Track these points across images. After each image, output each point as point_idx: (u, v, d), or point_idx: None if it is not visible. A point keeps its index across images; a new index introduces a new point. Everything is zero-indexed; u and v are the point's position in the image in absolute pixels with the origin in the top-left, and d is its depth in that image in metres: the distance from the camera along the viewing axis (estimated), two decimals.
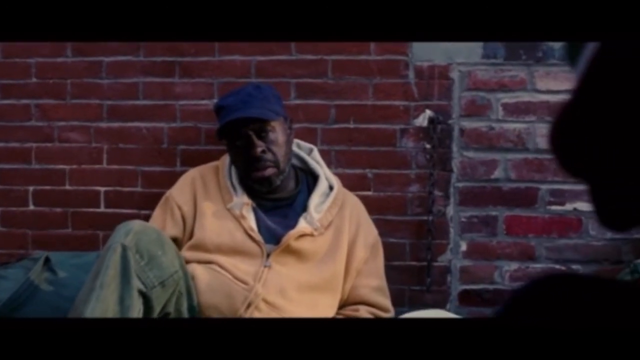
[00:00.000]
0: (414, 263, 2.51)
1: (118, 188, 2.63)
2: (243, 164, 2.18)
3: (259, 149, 2.14)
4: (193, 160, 2.54)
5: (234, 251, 2.13)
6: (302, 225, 2.17)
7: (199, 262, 2.13)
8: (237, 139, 2.17)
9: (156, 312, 1.91)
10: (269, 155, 2.16)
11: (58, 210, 2.65)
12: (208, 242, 2.15)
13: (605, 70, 0.78)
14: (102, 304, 1.79)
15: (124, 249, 1.85)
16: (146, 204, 2.55)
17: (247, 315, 2.03)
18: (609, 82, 0.78)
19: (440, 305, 2.49)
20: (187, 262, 2.12)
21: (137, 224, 1.92)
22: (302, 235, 2.15)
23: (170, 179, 2.43)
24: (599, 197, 0.84)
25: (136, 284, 1.85)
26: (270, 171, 2.16)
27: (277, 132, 2.18)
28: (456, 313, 2.46)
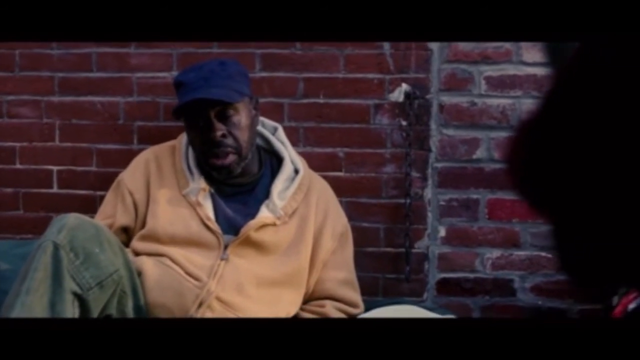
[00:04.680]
0: (389, 249, 2.35)
1: (72, 167, 2.46)
2: (201, 148, 2.00)
3: (219, 133, 1.95)
4: (151, 137, 2.38)
5: (189, 242, 1.96)
6: (264, 214, 2.00)
7: (150, 254, 1.96)
8: (196, 119, 1.98)
9: (94, 316, 1.75)
10: (229, 140, 1.97)
11: (8, 190, 2.48)
12: (161, 232, 1.98)
13: (588, 74, 0.59)
14: (28, 310, 1.63)
15: (56, 247, 1.69)
16: (101, 185, 2.38)
17: (199, 315, 1.88)
18: (592, 86, 0.59)
19: (417, 294, 2.34)
20: (137, 254, 1.97)
21: (72, 218, 1.75)
22: (264, 226, 1.98)
23: (127, 158, 2.25)
24: (565, 240, 0.66)
25: (70, 285, 1.69)
26: (230, 158, 1.98)
27: (241, 114, 1.99)
28: (434, 303, 2.32)
